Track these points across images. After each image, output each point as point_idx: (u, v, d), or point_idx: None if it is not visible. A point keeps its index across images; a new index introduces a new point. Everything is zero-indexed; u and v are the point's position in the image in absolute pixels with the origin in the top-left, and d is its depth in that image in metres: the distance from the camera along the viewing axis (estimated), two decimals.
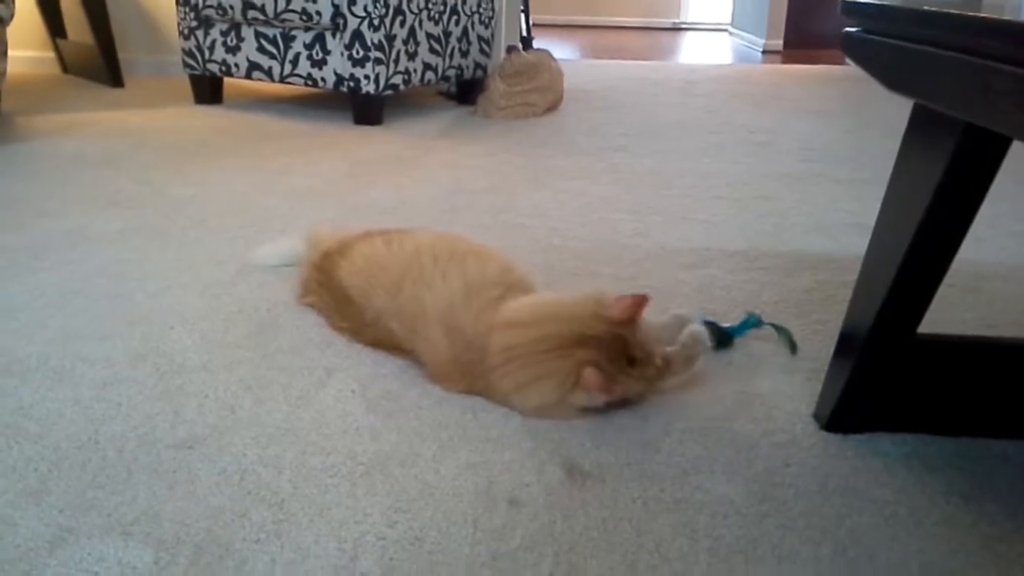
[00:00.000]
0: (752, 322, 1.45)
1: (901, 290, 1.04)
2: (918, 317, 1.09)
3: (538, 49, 3.81)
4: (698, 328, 1.32)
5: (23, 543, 0.92)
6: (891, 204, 1.06)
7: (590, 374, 1.14)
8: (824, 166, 2.77)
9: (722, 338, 1.41)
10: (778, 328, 1.44)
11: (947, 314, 1.57)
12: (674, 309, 1.42)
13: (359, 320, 1.40)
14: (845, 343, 1.17)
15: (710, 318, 1.43)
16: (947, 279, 1.76)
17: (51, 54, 4.30)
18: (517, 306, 1.26)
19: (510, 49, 3.63)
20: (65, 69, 4.30)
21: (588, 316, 1.20)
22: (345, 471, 1.07)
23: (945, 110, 0.80)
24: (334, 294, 1.45)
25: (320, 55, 3.16)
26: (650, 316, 1.25)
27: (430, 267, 1.34)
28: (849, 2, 0.97)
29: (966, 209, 0.97)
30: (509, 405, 1.22)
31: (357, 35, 3.06)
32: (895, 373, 1.14)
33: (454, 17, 3.47)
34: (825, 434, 1.18)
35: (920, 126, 0.99)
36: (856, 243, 1.98)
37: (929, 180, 0.95)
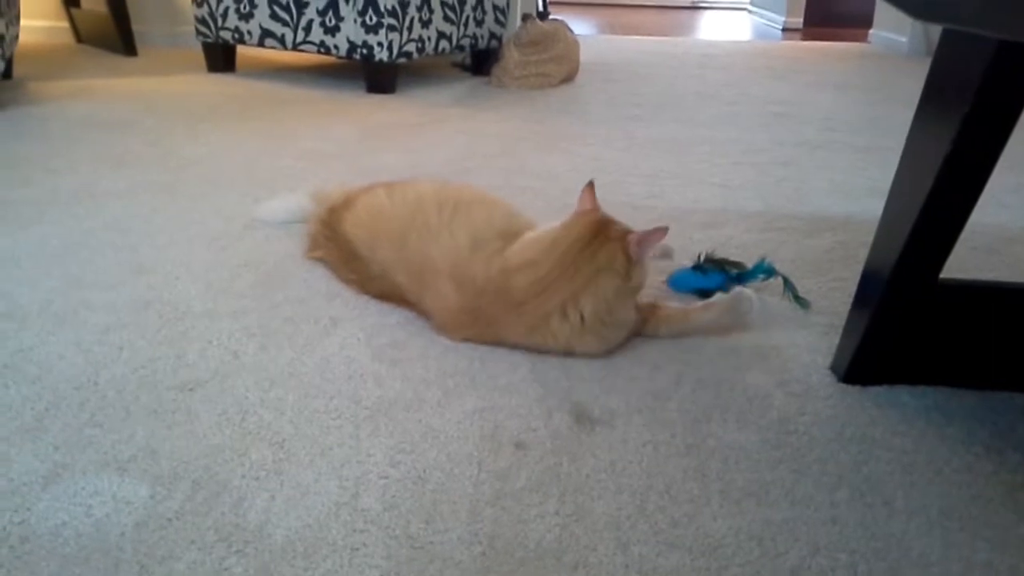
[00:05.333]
0: (763, 267, 1.42)
1: (924, 230, 1.01)
2: (940, 261, 1.05)
3: (554, 19, 3.76)
4: (748, 290, 1.33)
5: (17, 478, 0.90)
6: (916, 142, 1.02)
7: (631, 241, 1.19)
8: (844, 135, 2.72)
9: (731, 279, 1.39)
10: (786, 280, 1.40)
11: (968, 274, 1.53)
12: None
13: (365, 273, 1.38)
14: (865, 290, 1.14)
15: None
16: (969, 241, 1.72)
17: (65, 23, 4.28)
18: (520, 247, 1.24)
19: (525, 18, 3.58)
20: (79, 38, 4.28)
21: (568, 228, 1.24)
22: (348, 414, 1.05)
23: (975, 30, 0.76)
24: (340, 248, 1.43)
25: (333, 22, 3.12)
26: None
27: (435, 217, 1.31)
28: None
29: (994, 141, 0.93)
30: (544, 337, 1.20)
31: (370, 1, 3.02)
32: (916, 321, 1.11)
33: None
34: (842, 385, 1.15)
35: (947, 57, 0.95)
36: (877, 206, 1.91)
37: (957, 112, 0.91)
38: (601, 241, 1.20)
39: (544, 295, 1.19)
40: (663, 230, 1.19)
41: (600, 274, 1.19)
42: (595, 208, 1.26)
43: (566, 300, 1.18)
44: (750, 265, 1.44)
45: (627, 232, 1.21)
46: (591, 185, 1.28)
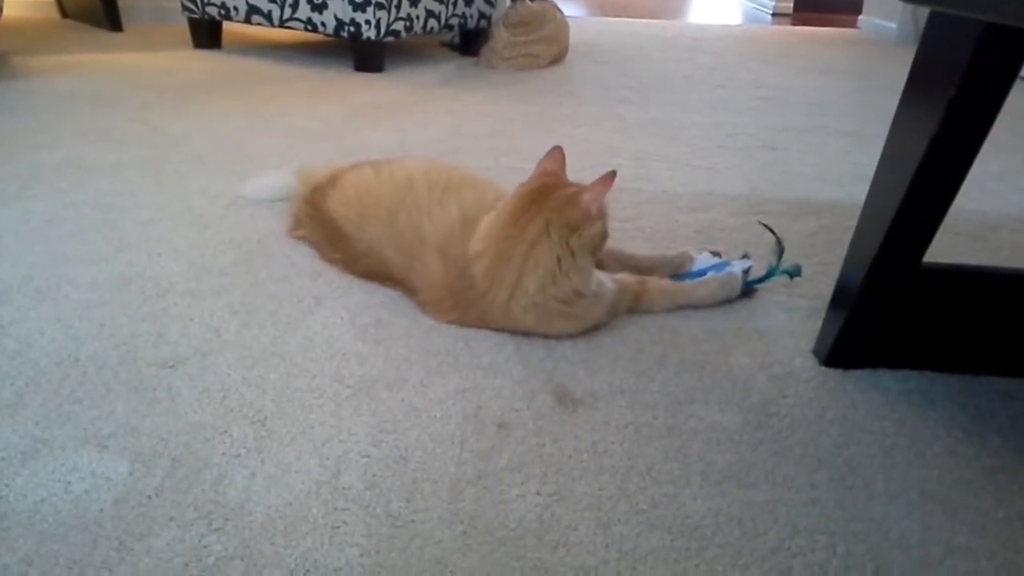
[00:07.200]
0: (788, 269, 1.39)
1: (908, 214, 1.01)
2: (924, 245, 1.05)
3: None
4: (737, 273, 1.34)
5: None
6: (901, 125, 1.02)
7: (584, 201, 1.16)
8: (831, 120, 2.72)
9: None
10: (783, 271, 1.38)
11: (952, 260, 1.53)
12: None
13: (351, 252, 1.37)
14: (848, 274, 1.14)
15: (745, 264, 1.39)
16: (954, 227, 1.73)
17: None
18: (478, 233, 1.23)
19: None
20: (64, 13, 4.24)
21: (503, 207, 1.22)
22: (330, 393, 1.04)
23: (961, 12, 0.76)
24: (324, 227, 1.42)
25: None
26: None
27: (426, 196, 1.30)
28: None
29: (979, 126, 0.93)
30: (516, 322, 1.20)
31: None
32: (898, 305, 1.11)
33: None
34: (824, 369, 1.15)
35: (933, 41, 0.95)
36: (862, 191, 1.90)
37: (942, 96, 0.91)
38: (532, 213, 1.17)
39: (496, 284, 1.18)
40: (611, 174, 1.16)
41: (533, 248, 1.16)
42: (548, 172, 1.24)
43: (513, 286, 1.17)
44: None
45: (571, 194, 1.18)
46: (556, 149, 1.26)
